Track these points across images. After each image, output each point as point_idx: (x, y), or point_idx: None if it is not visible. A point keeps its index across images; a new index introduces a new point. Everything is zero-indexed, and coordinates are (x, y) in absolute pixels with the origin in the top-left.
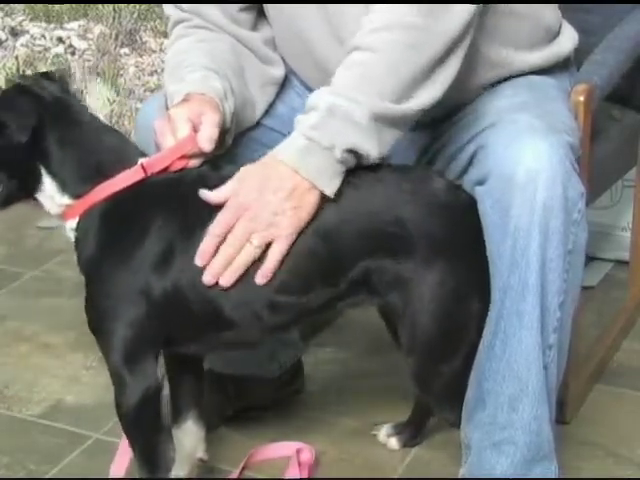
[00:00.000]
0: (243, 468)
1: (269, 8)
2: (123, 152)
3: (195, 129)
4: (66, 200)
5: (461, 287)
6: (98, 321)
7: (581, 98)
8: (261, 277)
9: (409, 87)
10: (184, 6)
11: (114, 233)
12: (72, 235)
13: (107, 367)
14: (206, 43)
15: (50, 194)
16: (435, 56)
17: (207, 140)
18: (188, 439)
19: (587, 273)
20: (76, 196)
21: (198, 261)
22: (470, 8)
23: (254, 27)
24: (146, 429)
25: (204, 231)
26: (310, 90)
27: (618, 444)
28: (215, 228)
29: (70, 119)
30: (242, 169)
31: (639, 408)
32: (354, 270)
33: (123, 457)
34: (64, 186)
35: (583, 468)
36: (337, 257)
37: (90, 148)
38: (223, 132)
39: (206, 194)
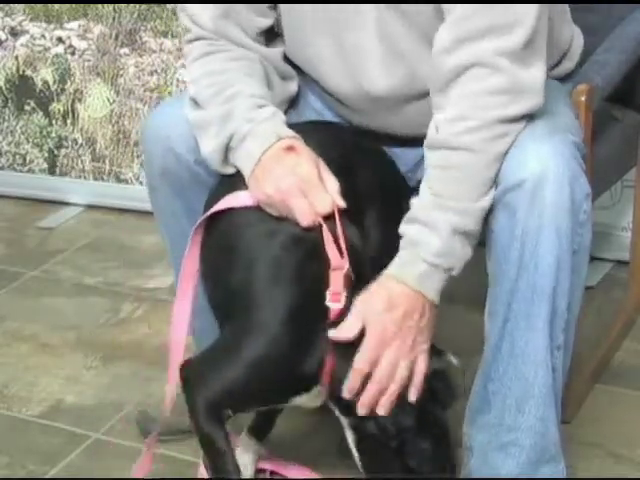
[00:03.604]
0: None
1: (285, 32)
2: None
3: None
4: None
5: None
6: None
7: (582, 98)
8: (414, 393)
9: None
10: (207, 26)
11: None
12: None
13: None
14: (240, 62)
15: None
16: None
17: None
18: None
19: (587, 273)
20: None
21: (347, 395)
22: (541, 85)
23: (272, 43)
24: None
25: None
26: (322, 103)
27: (618, 444)
28: (360, 364)
29: None
30: (361, 300)
31: (639, 408)
32: None
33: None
34: None
35: (583, 468)
36: None
37: None
38: None
39: (335, 334)
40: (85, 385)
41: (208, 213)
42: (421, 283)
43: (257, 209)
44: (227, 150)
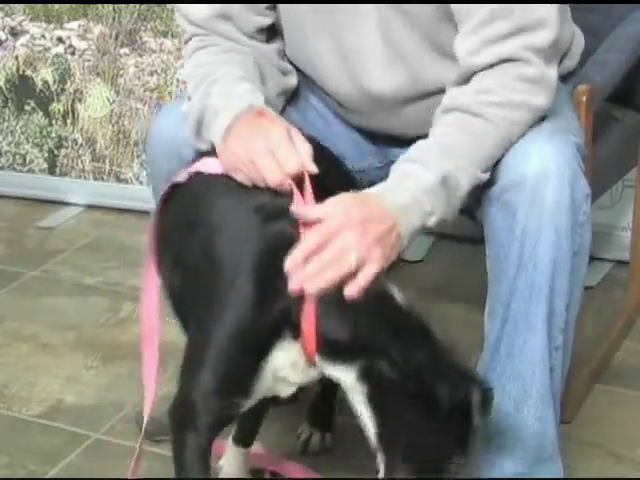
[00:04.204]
0: None
1: (285, 33)
2: None
3: None
4: None
5: None
6: None
7: (583, 98)
8: (353, 291)
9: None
10: (201, 25)
11: None
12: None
13: None
14: (230, 54)
15: None
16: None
17: (312, 162)
18: None
19: (587, 273)
20: None
21: (288, 264)
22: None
23: (269, 40)
24: None
25: None
26: (323, 103)
27: (618, 444)
28: (314, 233)
29: None
30: (339, 197)
31: (639, 408)
32: None
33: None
34: None
35: (583, 468)
36: None
37: None
38: None
39: (301, 209)
40: (85, 385)
41: (169, 185)
42: (399, 212)
43: (218, 185)
44: (200, 124)
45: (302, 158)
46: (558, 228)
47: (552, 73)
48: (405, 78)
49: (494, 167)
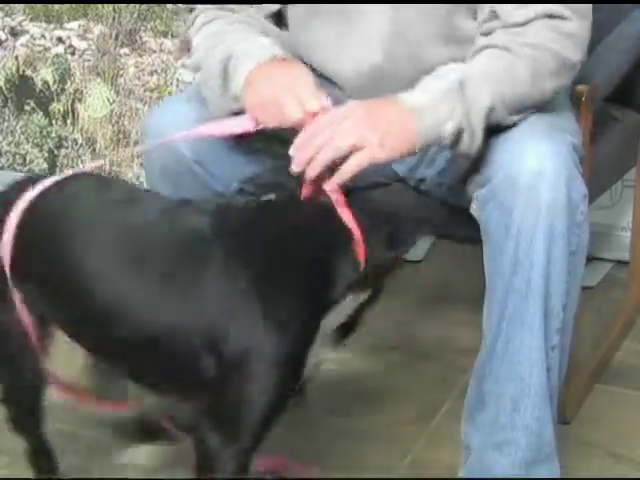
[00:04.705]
0: None
1: (289, 20)
2: None
3: None
4: None
5: None
6: None
7: (583, 98)
8: (337, 178)
9: (528, 105)
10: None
11: None
12: None
13: None
14: (242, 24)
15: None
16: (563, 85)
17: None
18: None
19: (587, 273)
20: None
21: (292, 149)
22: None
23: (279, 25)
24: None
25: None
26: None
27: (618, 444)
28: (316, 121)
29: None
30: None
31: (639, 408)
32: None
33: None
34: None
35: (583, 468)
36: None
37: None
38: None
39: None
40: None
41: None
42: (414, 109)
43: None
44: (226, 73)
45: (322, 100)
46: (554, 227)
47: (586, 31)
48: (406, 58)
49: (490, 165)
